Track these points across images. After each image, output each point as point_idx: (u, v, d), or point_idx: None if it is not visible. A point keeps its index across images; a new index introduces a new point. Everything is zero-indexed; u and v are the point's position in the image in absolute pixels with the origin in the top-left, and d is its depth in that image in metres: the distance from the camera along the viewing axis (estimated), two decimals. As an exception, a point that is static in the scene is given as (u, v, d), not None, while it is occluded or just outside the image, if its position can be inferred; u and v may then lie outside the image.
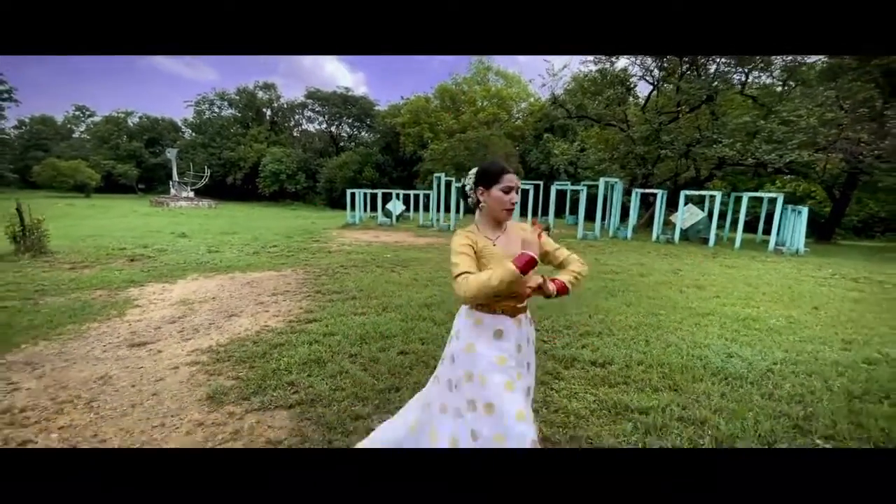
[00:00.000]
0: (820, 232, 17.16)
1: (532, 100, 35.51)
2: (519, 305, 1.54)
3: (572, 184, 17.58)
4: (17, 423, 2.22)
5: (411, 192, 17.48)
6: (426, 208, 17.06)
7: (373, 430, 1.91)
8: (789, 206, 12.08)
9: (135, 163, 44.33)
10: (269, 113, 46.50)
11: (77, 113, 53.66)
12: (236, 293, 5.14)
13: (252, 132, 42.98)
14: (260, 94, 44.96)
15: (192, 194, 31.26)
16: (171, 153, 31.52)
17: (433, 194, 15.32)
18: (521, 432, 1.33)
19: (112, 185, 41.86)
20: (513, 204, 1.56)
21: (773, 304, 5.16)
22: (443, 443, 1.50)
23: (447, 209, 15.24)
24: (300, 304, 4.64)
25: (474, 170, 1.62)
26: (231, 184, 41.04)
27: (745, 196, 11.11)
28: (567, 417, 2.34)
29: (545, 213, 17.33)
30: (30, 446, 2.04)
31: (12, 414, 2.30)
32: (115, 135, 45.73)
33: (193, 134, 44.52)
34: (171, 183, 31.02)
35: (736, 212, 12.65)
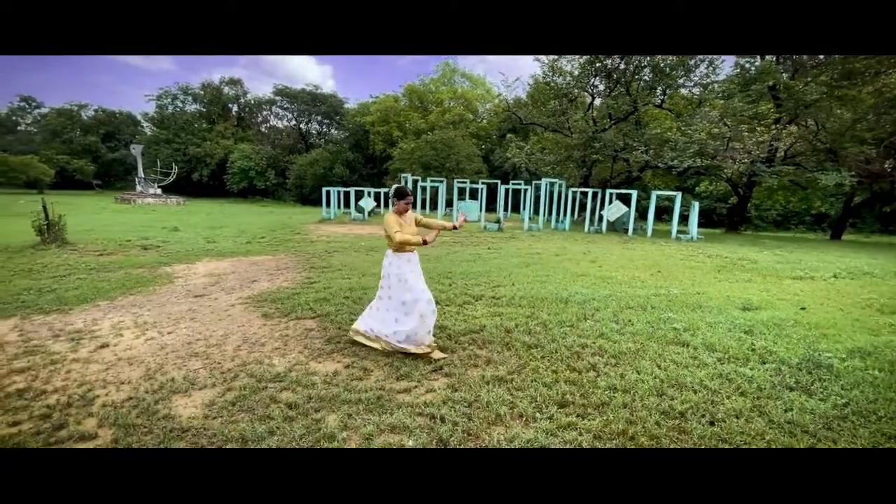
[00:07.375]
0: (729, 224, 20.41)
1: (496, 101, 37.69)
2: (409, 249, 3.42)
3: (525, 183, 19.94)
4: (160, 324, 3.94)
5: (381, 190, 19.21)
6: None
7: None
8: (695, 202, 14.84)
9: (91, 158, 43.08)
10: (235, 109, 46.37)
11: (22, 104, 51.09)
12: (248, 269, 6.81)
13: (218, 128, 42.88)
14: (226, 89, 44.82)
15: (159, 191, 31.36)
16: (136, 149, 31.41)
17: (400, 192, 17.17)
18: (430, 297, 3.27)
19: (65, 181, 40.53)
20: (407, 206, 3.37)
21: (634, 270, 7.40)
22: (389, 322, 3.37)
23: (414, 206, 17.13)
24: (301, 275, 6.40)
25: (394, 187, 3.44)
26: (197, 180, 40.91)
27: (654, 194, 13.74)
28: (476, 319, 4.32)
29: (497, 208, 19.57)
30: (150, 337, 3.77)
31: (151, 325, 4.01)
32: (69, 128, 44.20)
33: (155, 129, 43.76)
34: (136, 179, 30.97)
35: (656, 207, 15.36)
